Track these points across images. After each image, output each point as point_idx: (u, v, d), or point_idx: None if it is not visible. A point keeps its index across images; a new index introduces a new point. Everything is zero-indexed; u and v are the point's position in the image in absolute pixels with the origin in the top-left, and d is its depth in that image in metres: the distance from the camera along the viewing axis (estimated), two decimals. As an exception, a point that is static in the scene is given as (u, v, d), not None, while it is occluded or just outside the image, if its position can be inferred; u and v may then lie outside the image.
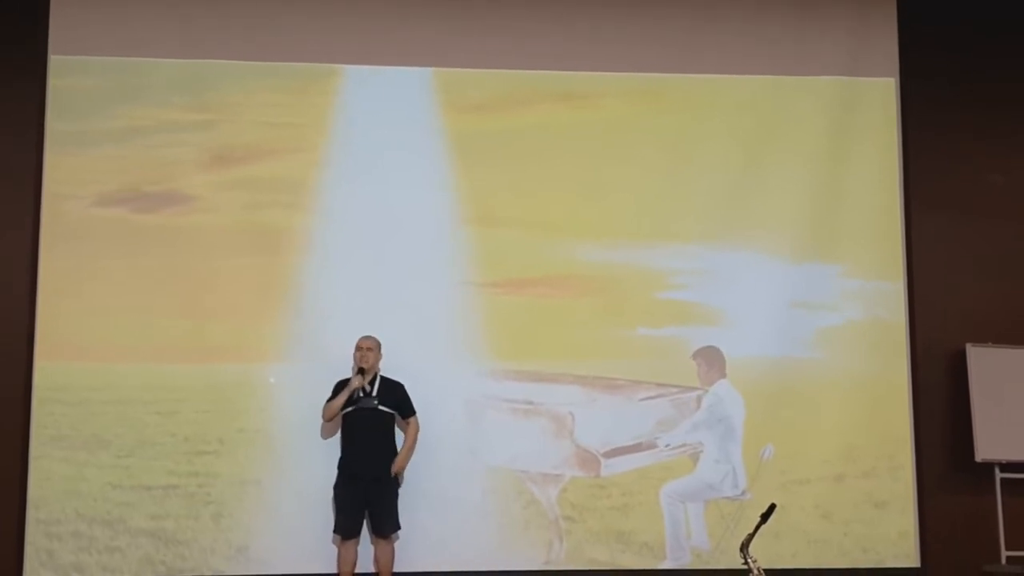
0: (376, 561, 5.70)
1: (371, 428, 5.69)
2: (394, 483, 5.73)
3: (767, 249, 6.38)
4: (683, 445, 6.18)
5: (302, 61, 6.30)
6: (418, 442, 5.84)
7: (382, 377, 5.81)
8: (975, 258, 6.45)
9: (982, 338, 6.28)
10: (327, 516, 5.75)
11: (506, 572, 5.97)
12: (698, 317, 6.30)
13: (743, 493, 6.15)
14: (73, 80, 6.18)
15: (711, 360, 6.26)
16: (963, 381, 6.23)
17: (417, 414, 5.83)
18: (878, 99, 6.57)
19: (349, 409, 5.71)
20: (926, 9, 6.61)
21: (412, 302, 6.12)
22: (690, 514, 6.11)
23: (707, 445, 6.20)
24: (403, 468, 5.76)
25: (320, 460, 5.83)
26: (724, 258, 6.35)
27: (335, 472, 5.72)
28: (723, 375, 6.25)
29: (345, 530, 5.65)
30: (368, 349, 5.76)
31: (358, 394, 5.69)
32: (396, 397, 5.78)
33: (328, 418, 5.78)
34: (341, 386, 5.76)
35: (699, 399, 6.22)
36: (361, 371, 5.72)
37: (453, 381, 6.12)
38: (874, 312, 6.40)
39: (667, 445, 6.16)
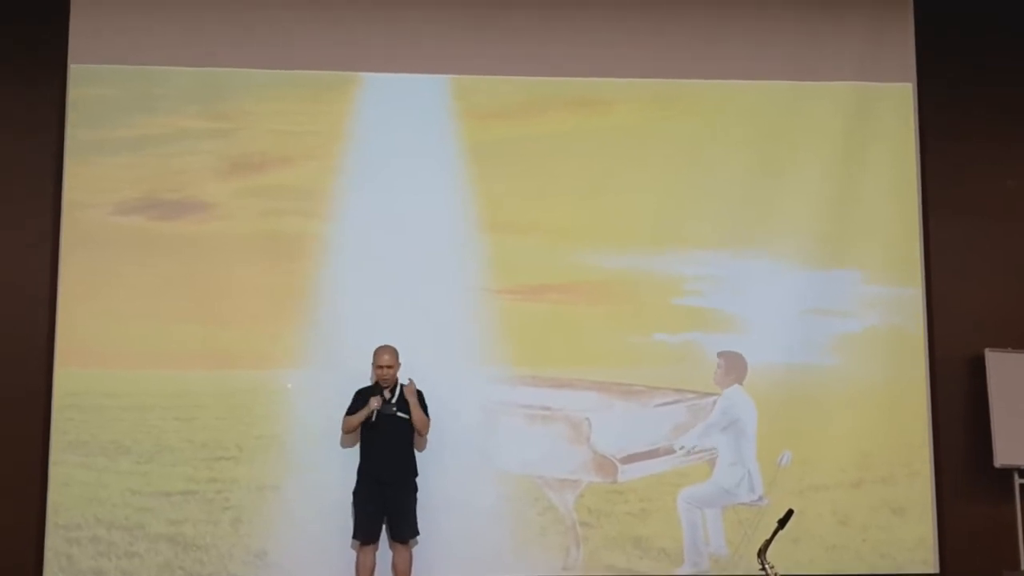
0: (394, 567, 5.70)
1: (390, 435, 5.70)
2: (413, 489, 5.75)
3: (784, 255, 6.36)
4: (697, 448, 6.17)
5: (318, 69, 6.32)
6: (434, 447, 5.92)
7: (401, 385, 5.83)
8: (993, 263, 6.42)
9: (1001, 343, 6.25)
10: (346, 521, 5.77)
11: (523, 578, 5.99)
12: (714, 323, 6.29)
13: (760, 499, 6.13)
14: (93, 89, 6.22)
15: (732, 364, 6.25)
16: (982, 387, 6.19)
17: (431, 420, 5.83)
18: (895, 104, 6.54)
19: (369, 415, 5.75)
20: (943, 14, 6.58)
21: (428, 308, 6.13)
22: (708, 520, 6.10)
23: (721, 449, 6.19)
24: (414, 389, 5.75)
25: (338, 466, 5.86)
26: (740, 264, 6.34)
27: (353, 478, 5.74)
28: (739, 382, 6.24)
29: (364, 535, 5.66)
30: (389, 367, 5.76)
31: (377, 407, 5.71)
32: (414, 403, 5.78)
33: (347, 431, 5.82)
34: (361, 394, 5.78)
35: (715, 403, 6.21)
36: (381, 392, 5.74)
37: (469, 387, 6.12)
38: (892, 318, 6.37)
39: (681, 448, 6.16)
